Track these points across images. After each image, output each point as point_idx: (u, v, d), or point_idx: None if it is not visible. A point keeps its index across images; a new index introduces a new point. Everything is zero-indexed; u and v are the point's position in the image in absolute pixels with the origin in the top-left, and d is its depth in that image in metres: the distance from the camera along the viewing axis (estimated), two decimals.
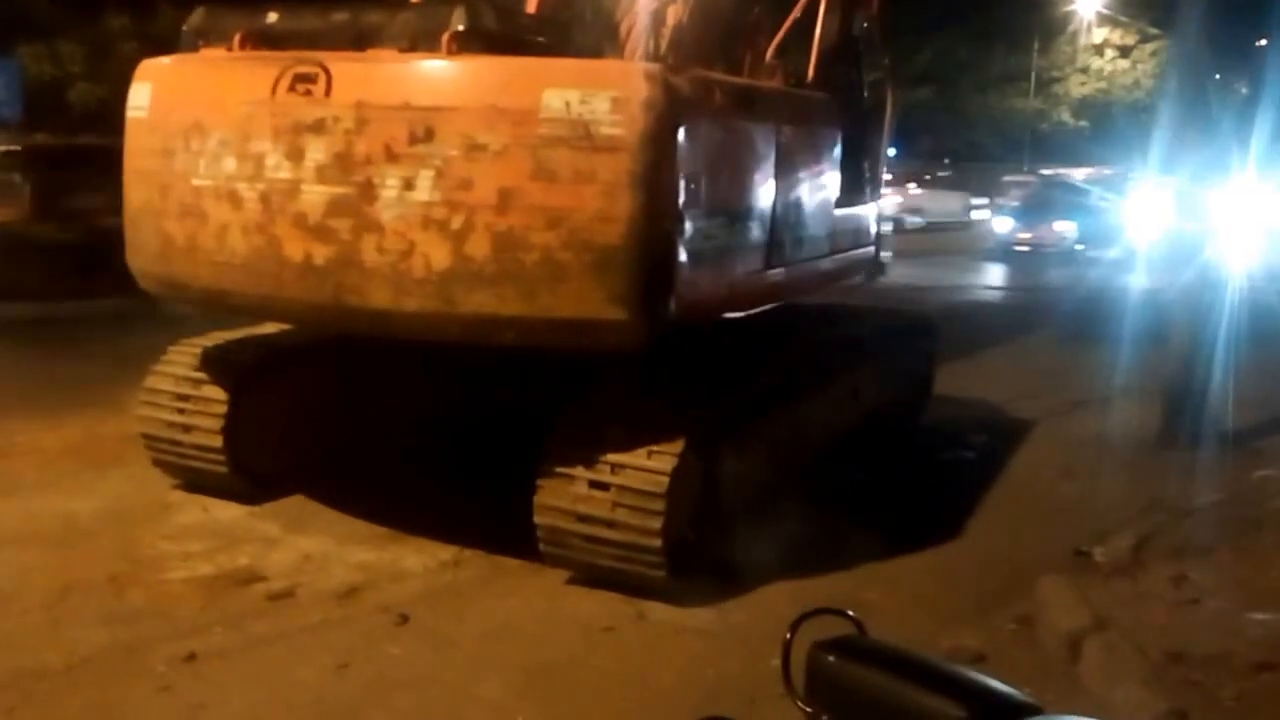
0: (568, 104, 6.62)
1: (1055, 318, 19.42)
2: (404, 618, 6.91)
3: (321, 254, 7.04)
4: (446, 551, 7.99)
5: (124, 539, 8.03)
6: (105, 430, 10.34)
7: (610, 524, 7.00)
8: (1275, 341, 16.31)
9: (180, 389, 8.75)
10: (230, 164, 7.30)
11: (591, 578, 7.38)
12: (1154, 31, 54.29)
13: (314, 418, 9.27)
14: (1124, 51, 58.72)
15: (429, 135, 6.78)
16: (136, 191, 8.05)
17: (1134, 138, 49.74)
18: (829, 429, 9.47)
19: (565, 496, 7.11)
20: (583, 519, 7.07)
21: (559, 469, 7.16)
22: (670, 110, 6.76)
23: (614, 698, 6.10)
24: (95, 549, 7.83)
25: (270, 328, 9.45)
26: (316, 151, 7.01)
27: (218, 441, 8.56)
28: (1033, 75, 58.20)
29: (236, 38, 7.71)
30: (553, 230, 6.70)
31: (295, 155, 7.06)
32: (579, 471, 7.10)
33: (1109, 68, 59.09)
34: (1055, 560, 7.74)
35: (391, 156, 6.84)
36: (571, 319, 6.83)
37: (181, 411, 8.69)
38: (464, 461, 9.56)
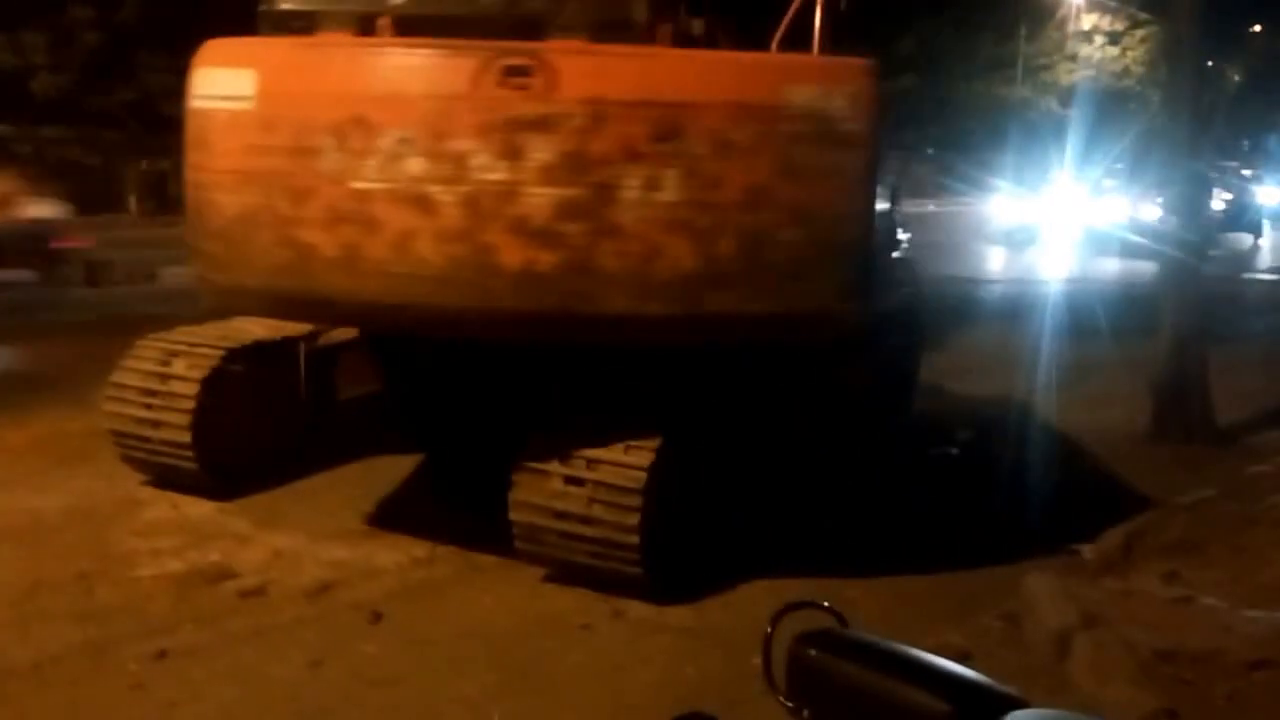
0: (809, 100, 6.75)
1: None
2: (377, 615, 6.93)
3: (548, 260, 6.77)
4: (420, 548, 8.01)
5: (93, 536, 8.03)
6: (73, 426, 10.32)
7: (586, 520, 7.02)
8: (1255, 338, 16.47)
9: (148, 384, 8.72)
10: (417, 165, 6.81)
11: (568, 575, 7.41)
12: (1144, 17, 54.45)
13: (285, 413, 9.28)
14: (1113, 38, 58.85)
15: (675, 133, 6.70)
16: (236, 197, 7.25)
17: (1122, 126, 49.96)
18: (811, 425, 9.48)
19: (541, 492, 7.12)
20: (559, 515, 7.08)
21: (535, 464, 7.17)
22: (884, 106, 7.07)
23: (591, 696, 6.13)
24: (64, 546, 7.83)
25: (240, 321, 9.45)
26: (541, 151, 6.69)
27: (186, 437, 8.54)
28: (1020, 63, 58.32)
29: (385, 23, 7.30)
30: (800, 227, 6.82)
31: (512, 155, 6.71)
32: (555, 467, 7.12)
33: (1098, 55, 59.21)
34: (1043, 557, 7.78)
35: (633, 155, 6.69)
36: (807, 314, 7.03)
37: (149, 407, 8.67)
38: (438, 457, 9.58)
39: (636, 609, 7.14)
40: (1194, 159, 11.62)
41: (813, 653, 2.14)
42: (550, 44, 6.96)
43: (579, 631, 6.88)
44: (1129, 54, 58.46)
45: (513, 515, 7.23)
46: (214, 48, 7.39)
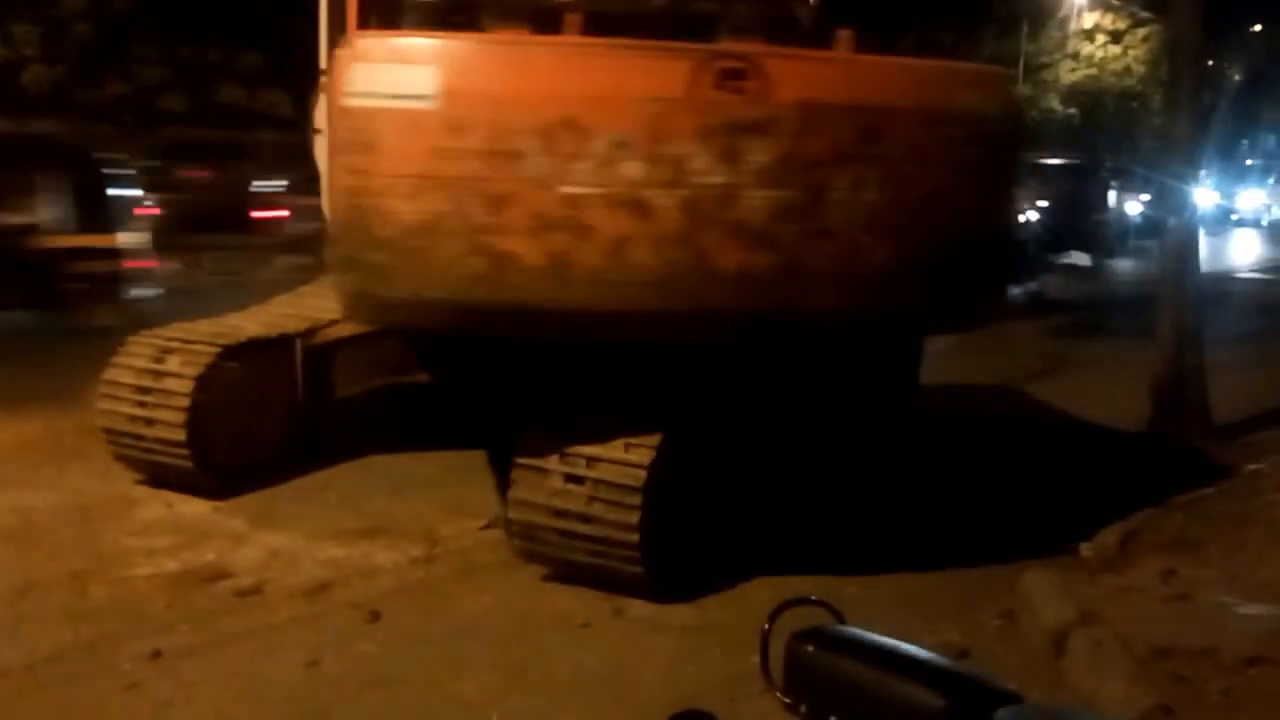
0: (974, 105, 7.26)
1: None
2: (375, 615, 6.95)
3: (764, 261, 6.90)
4: (418, 547, 8.05)
5: (86, 535, 8.07)
6: (65, 424, 10.34)
7: (586, 519, 7.05)
8: (1254, 336, 16.52)
9: (141, 381, 8.75)
10: (635, 168, 6.72)
11: (568, 574, 7.43)
12: (1146, 16, 54.34)
13: (281, 410, 9.30)
14: (1115, 37, 58.67)
15: (876, 136, 6.97)
16: (416, 204, 6.80)
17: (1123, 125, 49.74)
18: (812, 423, 9.49)
19: (540, 491, 7.15)
20: (558, 514, 7.11)
21: (534, 463, 7.20)
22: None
23: (591, 695, 6.15)
24: (56, 545, 7.86)
25: (234, 318, 9.50)
26: (758, 154, 6.77)
27: (181, 435, 8.58)
28: (1021, 62, 58.20)
29: (575, 20, 7.20)
30: (968, 223, 7.32)
31: (730, 158, 6.75)
32: (554, 465, 7.14)
33: (1100, 54, 59.07)
34: (1041, 555, 7.80)
35: (841, 158, 6.92)
36: (971, 303, 7.87)
37: (143, 404, 8.70)
38: (436, 455, 9.62)
39: (636, 608, 7.17)
40: (1193, 158, 11.66)
41: (810, 649, 2.17)
42: (761, 47, 7.18)
43: (578, 630, 6.90)
44: (1130, 52, 58.30)
45: (512, 514, 7.27)
46: (377, 42, 7.12)
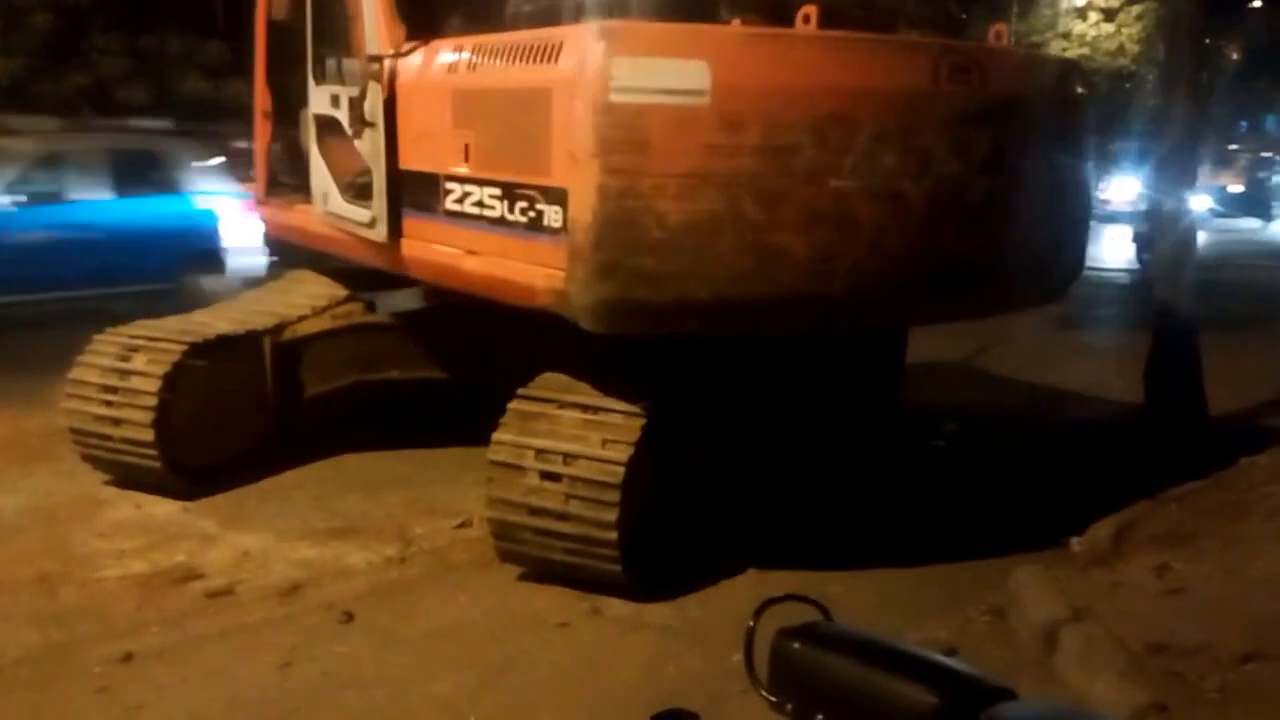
0: (1075, 91, 8.39)
1: None
2: (349, 615, 6.99)
3: (979, 245, 7.49)
4: (391, 547, 8.08)
5: (54, 537, 8.08)
6: (31, 424, 10.33)
7: (563, 517, 7.07)
8: (1250, 325, 16.56)
9: (108, 380, 8.76)
10: (892, 160, 6.95)
11: (545, 573, 7.47)
12: None
13: (250, 409, 9.30)
14: (1108, 15, 58.59)
15: (1042, 124, 7.84)
16: (689, 204, 6.62)
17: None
18: (793, 417, 9.50)
19: (516, 488, 7.17)
20: (535, 512, 7.14)
21: (510, 460, 7.23)
22: None
23: (569, 695, 6.20)
24: (23, 547, 7.89)
25: (202, 315, 9.52)
26: (979, 143, 7.29)
27: (149, 435, 8.59)
28: (1012, 40, 58.02)
29: (812, 13, 6.87)
30: (1081, 201, 8.65)
31: (961, 148, 7.22)
32: (530, 462, 7.17)
33: (1092, 33, 58.97)
34: (1031, 550, 7.83)
35: (1025, 145, 7.69)
36: (1075, 272, 8.96)
37: (110, 404, 8.71)
38: (409, 453, 9.63)
39: (615, 607, 7.21)
40: (1192, 141, 11.69)
41: (796, 646, 2.17)
42: (973, 42, 7.92)
43: (556, 630, 6.94)
44: (1124, 31, 58.23)
45: (488, 512, 7.30)
46: (644, 34, 6.90)
